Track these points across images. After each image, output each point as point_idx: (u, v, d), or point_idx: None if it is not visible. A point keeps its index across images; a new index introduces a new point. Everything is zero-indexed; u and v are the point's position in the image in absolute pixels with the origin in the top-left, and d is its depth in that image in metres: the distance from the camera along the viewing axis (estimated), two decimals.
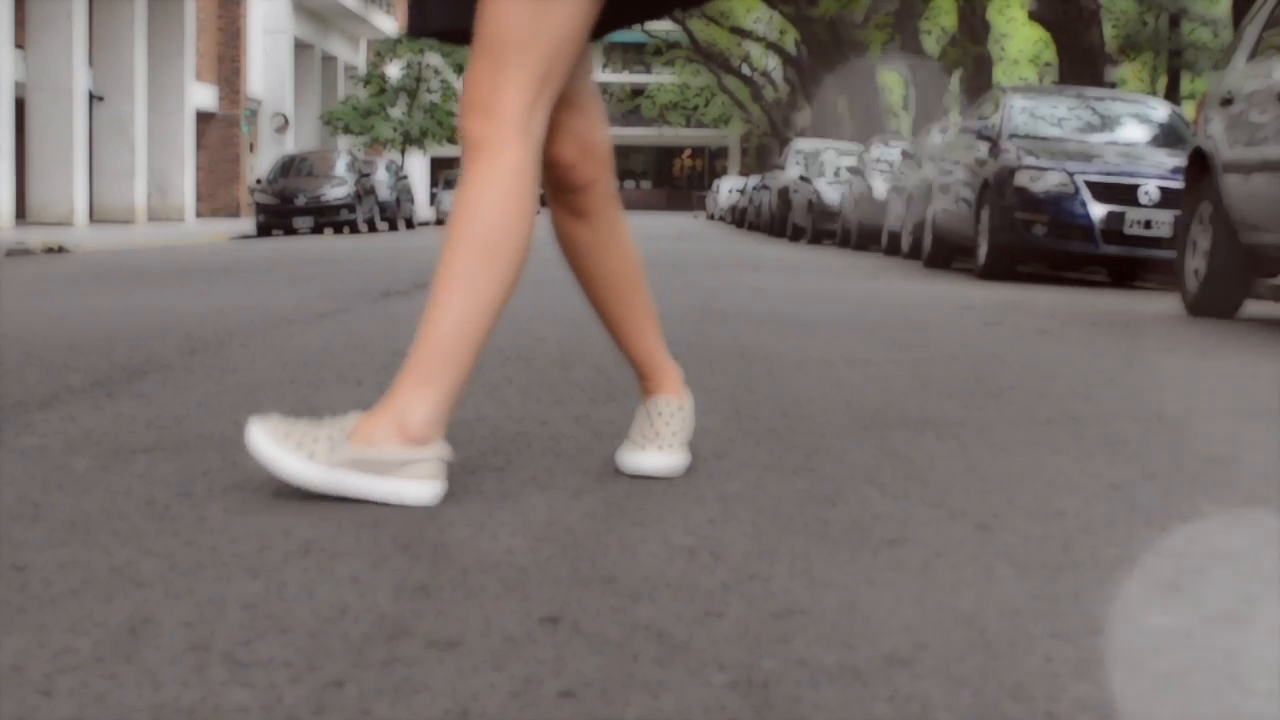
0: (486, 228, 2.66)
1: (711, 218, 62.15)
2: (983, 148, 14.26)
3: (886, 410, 4.09)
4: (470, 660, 1.71)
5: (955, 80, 30.63)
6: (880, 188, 21.26)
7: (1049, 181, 12.93)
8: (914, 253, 17.97)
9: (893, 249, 19.65)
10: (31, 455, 3.00)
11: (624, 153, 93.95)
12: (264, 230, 28.41)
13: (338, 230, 29.40)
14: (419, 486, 2.60)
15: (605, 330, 3.15)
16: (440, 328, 2.64)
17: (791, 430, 3.64)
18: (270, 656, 1.70)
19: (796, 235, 28.47)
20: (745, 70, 58.90)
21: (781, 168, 32.73)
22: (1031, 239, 12.98)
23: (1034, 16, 22.79)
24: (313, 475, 2.58)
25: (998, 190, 13.30)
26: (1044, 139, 13.93)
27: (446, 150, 54.24)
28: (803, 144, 31.94)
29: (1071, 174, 12.87)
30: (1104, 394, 4.72)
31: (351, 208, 29.53)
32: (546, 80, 2.69)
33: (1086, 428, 3.86)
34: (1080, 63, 21.18)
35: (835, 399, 4.31)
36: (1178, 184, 12.15)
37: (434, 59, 44.59)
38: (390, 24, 47.85)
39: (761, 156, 62.39)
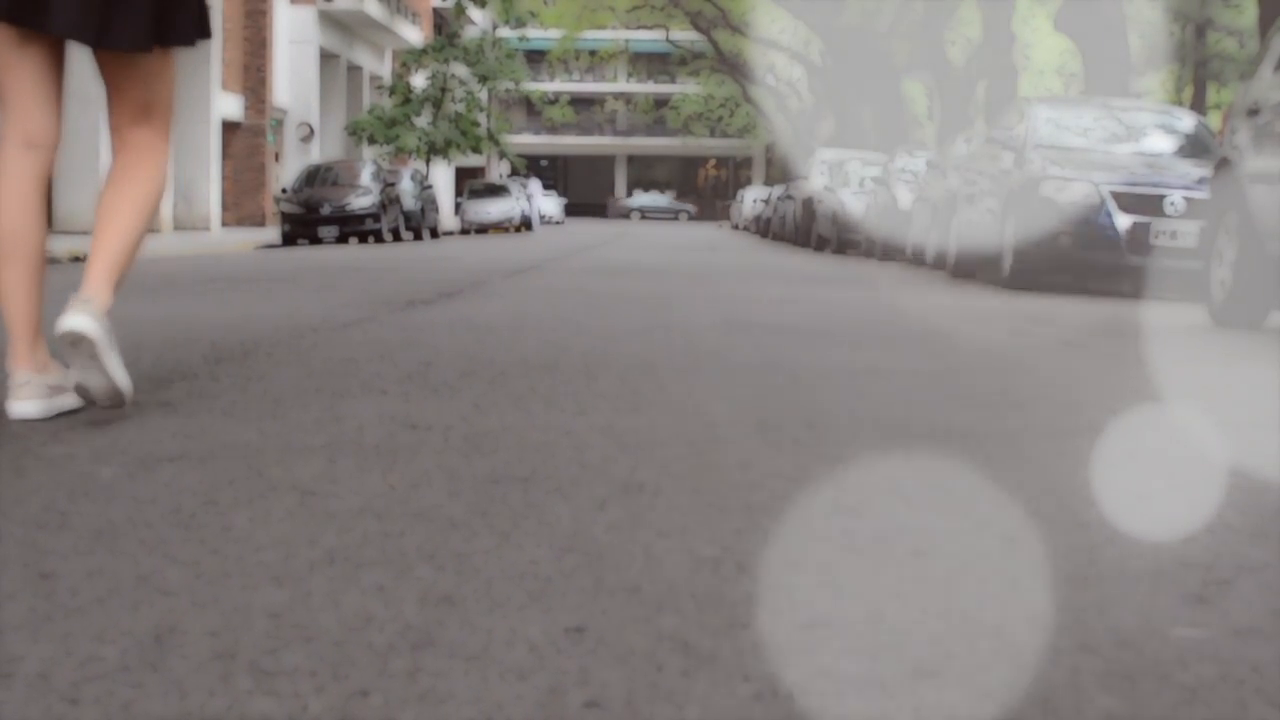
0: None
1: (736, 228, 62.12)
2: (1008, 158, 14.22)
3: (911, 421, 4.08)
4: (495, 670, 1.71)
5: (980, 90, 30.59)
6: (905, 198, 21.20)
7: (1074, 192, 12.89)
8: (938, 264, 17.93)
9: (917, 260, 19.60)
10: (58, 464, 3.01)
11: (649, 163, 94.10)
12: (289, 240, 28.46)
13: (362, 240, 29.44)
14: None
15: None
16: None
17: (816, 441, 3.63)
18: (295, 665, 1.70)
19: (821, 245, 28.43)
20: (770, 80, 58.88)
21: (806, 178, 32.69)
22: (1057, 250, 12.94)
23: (1059, 27, 22.76)
24: None
25: (1023, 201, 13.26)
26: (1069, 149, 13.88)
27: (471, 160, 54.31)
28: (827, 154, 31.89)
29: (1097, 184, 12.83)
30: (1129, 405, 4.70)
31: (376, 217, 29.56)
32: None
33: (1111, 439, 3.84)
34: (1106, 73, 21.14)
35: (860, 410, 4.30)
36: (1204, 194, 12.09)
37: (459, 69, 44.65)
38: (416, 34, 47.95)
39: (786, 166, 62.39)
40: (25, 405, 3.68)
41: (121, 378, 3.67)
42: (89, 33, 3.75)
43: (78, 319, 3.58)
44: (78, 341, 3.57)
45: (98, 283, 3.75)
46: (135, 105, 3.93)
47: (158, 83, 3.95)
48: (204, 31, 3.99)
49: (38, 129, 3.83)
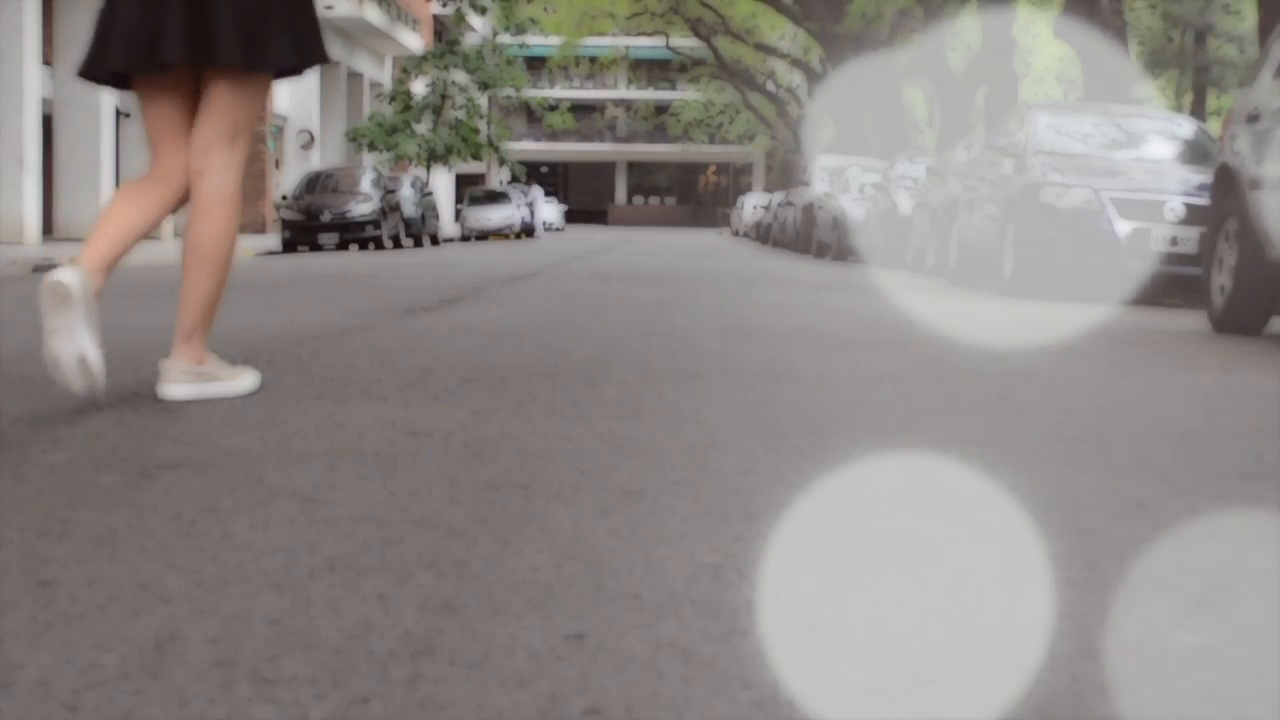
0: None
1: (736, 234, 62.14)
2: (1008, 164, 14.23)
3: (912, 428, 4.08)
4: (495, 677, 1.71)
5: (980, 97, 30.60)
6: (905, 204, 21.21)
7: (1074, 198, 12.89)
8: (939, 269, 17.93)
9: (917, 266, 19.61)
10: (59, 471, 3.01)
11: (649, 169, 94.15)
12: (289, 246, 28.47)
13: (363, 246, 29.45)
14: None
15: None
16: None
17: (817, 448, 3.63)
18: (296, 673, 1.70)
19: (821, 252, 28.44)
20: (770, 87, 58.93)
21: (806, 184, 32.69)
22: (1057, 256, 12.94)
23: (1059, 33, 22.77)
24: None
25: (1023, 207, 13.27)
26: (1069, 156, 13.88)
27: (471, 167, 54.32)
28: (827, 160, 31.90)
29: (1097, 191, 12.83)
30: (1130, 411, 4.70)
31: (376, 224, 29.57)
32: None
33: (1113, 445, 3.84)
34: (1105, 79, 21.14)
35: (861, 416, 4.30)
36: (1203, 200, 12.09)
37: (459, 76, 44.69)
38: (416, 41, 47.97)
39: (786, 173, 62.41)
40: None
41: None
42: (199, 54, 4.16)
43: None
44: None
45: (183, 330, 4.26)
46: (223, 126, 4.27)
47: (244, 107, 4.31)
48: (308, 58, 4.36)
49: (166, 168, 4.31)
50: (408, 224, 32.91)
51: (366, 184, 30.74)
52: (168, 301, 8.47)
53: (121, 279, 13.81)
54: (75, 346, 3.82)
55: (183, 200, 4.32)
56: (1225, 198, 9.35)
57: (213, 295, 4.28)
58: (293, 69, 4.38)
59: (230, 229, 4.30)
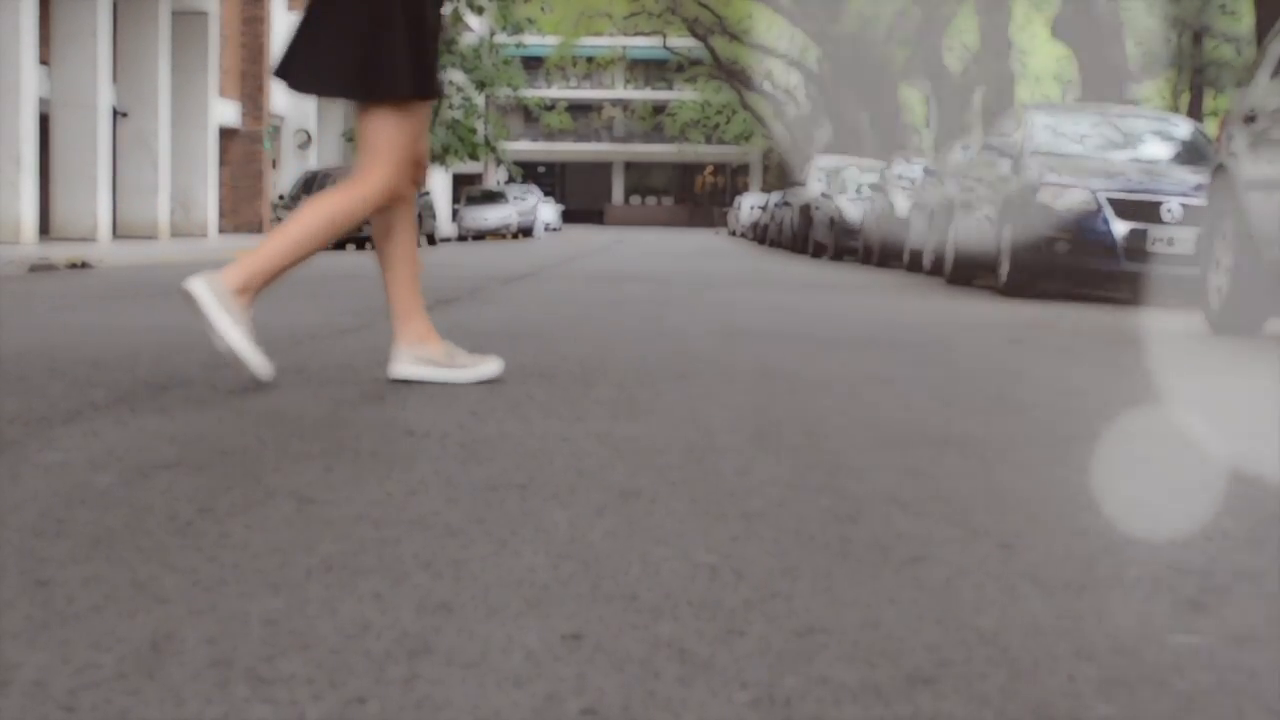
0: None
1: (733, 234, 62.16)
2: (1005, 165, 14.24)
3: (908, 428, 4.08)
4: (492, 677, 1.71)
5: (977, 97, 30.61)
6: (902, 205, 21.22)
7: (1071, 199, 12.90)
8: (936, 270, 17.94)
9: (914, 266, 19.61)
10: (55, 471, 3.01)
11: (645, 169, 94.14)
12: None
13: (360, 246, 29.42)
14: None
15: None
16: None
17: (813, 448, 3.63)
18: (292, 673, 1.71)
19: (818, 252, 28.46)
20: (767, 87, 58.91)
21: (803, 184, 32.71)
22: (1054, 256, 12.95)
23: (1056, 34, 22.78)
24: None
25: (1020, 207, 13.28)
26: (1066, 156, 13.89)
27: (468, 167, 54.29)
28: (824, 161, 31.94)
29: (1094, 191, 12.84)
30: (1127, 412, 4.71)
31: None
32: None
33: (1109, 446, 3.85)
34: (1103, 80, 21.16)
35: (857, 417, 4.30)
36: (1200, 201, 12.10)
37: (456, 76, 44.66)
38: None
39: (783, 173, 62.39)
40: (393, 367, 4.74)
41: (235, 339, 4.37)
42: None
43: (193, 281, 4.38)
44: (188, 299, 4.37)
45: (236, 265, 4.51)
46: (363, 149, 4.72)
47: (371, 133, 4.67)
48: (410, 90, 4.63)
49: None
50: None
51: None
52: (157, 300, 8.39)
53: (121, 279, 13.78)
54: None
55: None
56: (1222, 198, 9.36)
57: (284, 254, 4.58)
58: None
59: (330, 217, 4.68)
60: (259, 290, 4.51)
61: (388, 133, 4.64)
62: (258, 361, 4.47)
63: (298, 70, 4.75)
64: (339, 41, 4.60)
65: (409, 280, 4.79)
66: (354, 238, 29.21)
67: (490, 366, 4.81)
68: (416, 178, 4.84)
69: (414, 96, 4.63)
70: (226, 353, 4.39)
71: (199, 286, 4.37)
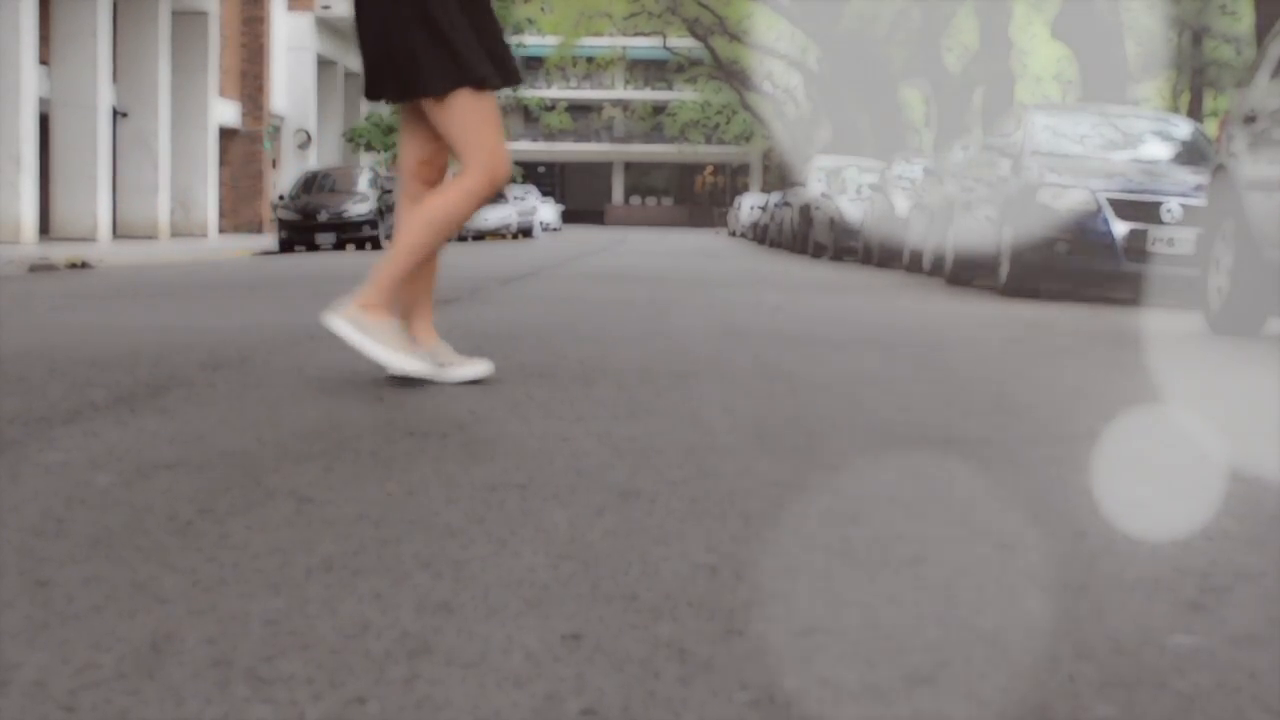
0: None
1: (733, 234, 62.13)
2: (1005, 165, 14.24)
3: (908, 429, 4.08)
4: (492, 677, 1.71)
5: (977, 97, 30.61)
6: (902, 205, 21.21)
7: (1071, 199, 12.89)
8: (936, 270, 17.94)
9: (914, 266, 19.61)
10: (55, 471, 3.01)
11: (645, 169, 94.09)
12: (286, 246, 28.45)
13: (360, 246, 29.44)
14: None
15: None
16: None
17: (813, 449, 3.63)
18: (292, 673, 1.71)
19: (818, 252, 28.45)
20: (767, 87, 58.90)
21: (803, 185, 32.70)
22: (1054, 256, 12.95)
23: (1056, 34, 22.78)
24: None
25: (1020, 208, 13.27)
26: (1066, 156, 13.89)
27: None
28: (824, 161, 31.91)
29: (1094, 191, 12.84)
30: (1126, 412, 4.71)
31: (374, 224, 29.55)
32: None
33: (1109, 446, 3.85)
34: (1103, 80, 21.16)
35: (857, 417, 4.30)
36: (1200, 201, 12.10)
37: None
38: None
39: (783, 173, 62.39)
40: (330, 317, 4.70)
41: (385, 357, 4.64)
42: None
43: (332, 318, 4.66)
44: (333, 334, 4.70)
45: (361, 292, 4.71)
46: (454, 149, 4.86)
47: (453, 131, 4.75)
48: (427, 89, 4.70)
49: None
50: None
51: (363, 184, 30.73)
52: (157, 300, 8.39)
53: (121, 279, 13.78)
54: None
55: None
56: (1222, 199, 9.36)
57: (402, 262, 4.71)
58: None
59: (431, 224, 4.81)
60: (391, 299, 4.70)
61: (466, 124, 4.71)
62: (419, 366, 4.68)
63: (389, 84, 4.79)
64: (402, 43, 4.65)
65: (425, 276, 4.92)
66: (355, 238, 29.25)
67: (477, 368, 4.83)
68: (429, 179, 4.92)
69: (474, 86, 4.68)
70: (402, 374, 4.67)
71: (339, 324, 4.63)
